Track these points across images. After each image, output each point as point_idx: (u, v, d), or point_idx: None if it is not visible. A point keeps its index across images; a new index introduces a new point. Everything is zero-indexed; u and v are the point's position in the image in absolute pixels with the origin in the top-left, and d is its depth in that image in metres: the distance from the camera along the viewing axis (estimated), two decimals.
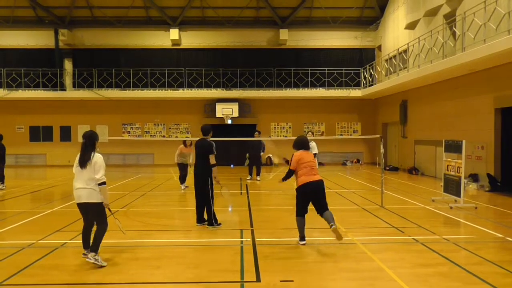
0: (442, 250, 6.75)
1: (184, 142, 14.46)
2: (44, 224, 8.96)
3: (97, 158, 6.06)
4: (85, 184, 6.04)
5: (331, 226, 6.84)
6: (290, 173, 7.40)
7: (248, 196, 12.92)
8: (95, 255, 6.03)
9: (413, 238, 7.49)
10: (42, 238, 7.65)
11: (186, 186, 14.42)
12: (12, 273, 5.77)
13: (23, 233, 8.23)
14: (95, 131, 6.46)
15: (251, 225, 8.73)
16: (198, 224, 8.71)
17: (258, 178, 16.99)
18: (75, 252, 6.84)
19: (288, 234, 8.11)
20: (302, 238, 7.26)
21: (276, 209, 10.88)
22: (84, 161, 6.04)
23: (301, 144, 7.49)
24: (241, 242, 7.43)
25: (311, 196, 7.16)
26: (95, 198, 6.07)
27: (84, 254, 6.34)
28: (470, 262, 6.20)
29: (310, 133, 16.47)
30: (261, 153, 17.04)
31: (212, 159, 8.38)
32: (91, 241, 6.32)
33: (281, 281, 5.45)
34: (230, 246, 7.18)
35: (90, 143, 6.12)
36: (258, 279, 5.53)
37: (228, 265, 6.13)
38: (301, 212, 7.20)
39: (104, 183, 6.05)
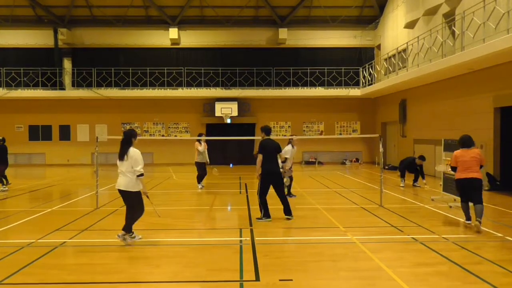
0: (442, 249, 6.75)
1: (199, 140, 14.14)
2: (44, 223, 8.96)
3: (134, 152, 6.94)
4: (123, 174, 6.92)
5: (477, 220, 7.92)
6: (453, 170, 8.57)
7: (247, 195, 12.93)
8: (124, 234, 6.86)
9: (413, 238, 7.48)
10: (41, 237, 7.64)
11: (203, 186, 14.45)
12: (12, 272, 5.76)
13: (22, 232, 8.24)
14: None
15: (250, 224, 8.72)
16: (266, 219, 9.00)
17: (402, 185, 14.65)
18: (74, 251, 6.86)
19: (287, 233, 8.10)
20: (468, 218, 8.44)
21: (275, 208, 10.86)
22: (121, 155, 6.94)
23: (462, 142, 8.47)
24: (240, 241, 7.42)
25: (465, 190, 8.31)
26: (131, 187, 6.90)
27: (118, 235, 7.07)
28: (470, 261, 6.20)
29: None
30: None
31: (282, 157, 9.44)
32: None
33: (280, 280, 5.46)
34: (229, 245, 7.18)
35: (126, 140, 6.99)
36: (258, 278, 5.53)
37: (227, 264, 6.13)
38: (461, 199, 8.49)
39: (141, 174, 6.89)
